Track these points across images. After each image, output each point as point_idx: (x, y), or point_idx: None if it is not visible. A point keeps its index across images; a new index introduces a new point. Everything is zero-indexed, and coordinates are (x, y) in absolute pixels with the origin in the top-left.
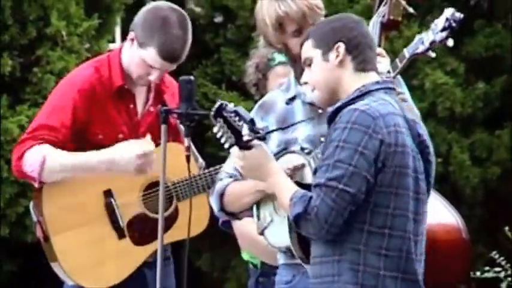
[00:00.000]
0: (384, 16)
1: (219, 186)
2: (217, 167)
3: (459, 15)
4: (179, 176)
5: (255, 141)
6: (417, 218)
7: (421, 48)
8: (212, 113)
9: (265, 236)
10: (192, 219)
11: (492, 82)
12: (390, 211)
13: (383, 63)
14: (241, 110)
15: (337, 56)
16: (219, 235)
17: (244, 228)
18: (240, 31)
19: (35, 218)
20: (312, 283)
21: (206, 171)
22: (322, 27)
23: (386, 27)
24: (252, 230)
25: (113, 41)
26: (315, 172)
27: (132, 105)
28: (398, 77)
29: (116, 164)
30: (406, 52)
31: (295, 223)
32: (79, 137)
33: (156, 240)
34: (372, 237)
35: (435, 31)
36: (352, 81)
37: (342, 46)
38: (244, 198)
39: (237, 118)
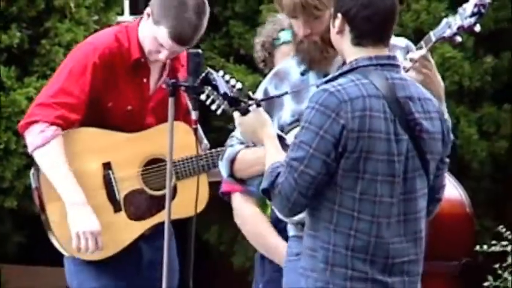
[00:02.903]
0: None
1: (229, 152)
2: (219, 149)
3: (487, 0)
4: (182, 156)
5: (253, 107)
6: (394, 201)
7: (448, 33)
8: (198, 81)
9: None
10: (190, 200)
11: (501, 56)
12: (357, 195)
13: None
14: (227, 77)
15: (338, 25)
16: (228, 208)
17: (252, 219)
18: (249, 4)
19: (33, 185)
20: (301, 251)
21: (208, 151)
22: None
23: None
24: (260, 224)
25: (122, 14)
26: None
27: (145, 80)
28: None
29: (76, 209)
30: (433, 35)
31: (265, 196)
32: (91, 102)
33: (153, 216)
34: (342, 218)
35: (463, 16)
36: (349, 52)
37: (339, 17)
38: (255, 167)
39: (226, 82)
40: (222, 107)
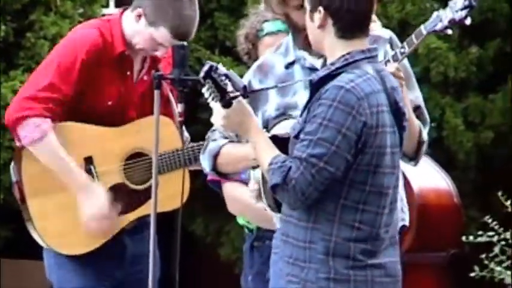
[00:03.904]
0: None
1: (212, 146)
2: (201, 143)
3: None
4: (163, 150)
5: (237, 98)
6: (388, 192)
7: (439, 26)
8: (202, 74)
9: (263, 199)
10: (171, 194)
11: (485, 46)
12: (367, 188)
13: (373, 27)
14: (233, 74)
15: (319, 19)
16: (213, 199)
17: (236, 192)
18: None
19: (14, 178)
20: (283, 240)
21: (190, 145)
22: None
23: None
24: (243, 194)
25: (107, 6)
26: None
27: (129, 72)
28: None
29: (85, 192)
30: (424, 29)
31: (272, 191)
32: (75, 97)
33: (135, 210)
34: (347, 211)
35: (454, 9)
36: (334, 47)
37: (321, 11)
38: (240, 163)
39: (227, 81)
40: (216, 99)
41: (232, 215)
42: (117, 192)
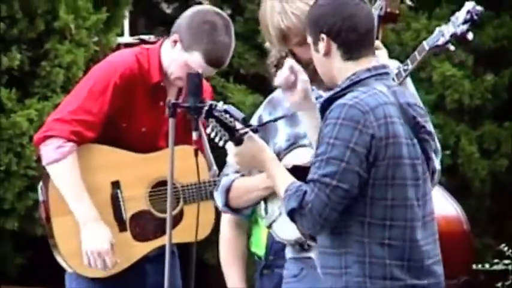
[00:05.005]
0: (381, 9)
1: (224, 181)
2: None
3: (480, 8)
4: (190, 180)
5: (247, 134)
6: (419, 203)
7: (441, 41)
8: (203, 115)
9: (273, 229)
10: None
11: (500, 74)
12: (389, 203)
13: (380, 56)
14: (231, 108)
15: (323, 47)
16: None
17: (227, 244)
18: (248, 24)
19: (40, 198)
20: (322, 272)
21: (217, 178)
22: (309, 14)
23: (384, 20)
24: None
25: (122, 35)
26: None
27: (162, 103)
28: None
29: (90, 225)
30: (426, 44)
31: (290, 217)
32: (106, 121)
33: (157, 238)
34: (374, 229)
35: (456, 24)
36: (343, 70)
37: (324, 37)
38: (251, 194)
39: (227, 116)
40: (226, 139)
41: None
42: (142, 218)
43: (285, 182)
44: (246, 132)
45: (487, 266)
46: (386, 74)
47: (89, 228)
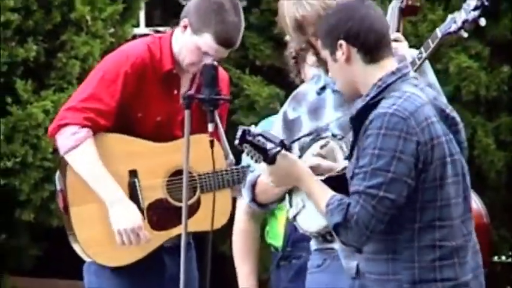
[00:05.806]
0: (402, 1)
1: (251, 177)
2: (245, 165)
3: None
4: (207, 169)
5: (280, 152)
6: (460, 200)
7: (453, 27)
8: (237, 141)
9: (297, 221)
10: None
11: None
12: (438, 204)
13: (400, 47)
14: (267, 133)
15: (343, 54)
16: None
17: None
18: (264, 15)
19: (58, 187)
20: (368, 278)
21: (233, 167)
22: (322, 26)
23: (405, 12)
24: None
25: (137, 26)
26: (347, 158)
27: (176, 91)
28: (426, 61)
29: (117, 205)
30: (439, 31)
31: (335, 232)
32: (120, 111)
33: (174, 227)
34: (424, 233)
35: (467, 10)
36: (366, 74)
37: (343, 43)
38: (276, 188)
39: (260, 138)
40: (260, 160)
41: (262, 234)
42: (159, 207)
43: (324, 196)
44: (279, 151)
45: (503, 258)
46: (408, 73)
47: (117, 207)
